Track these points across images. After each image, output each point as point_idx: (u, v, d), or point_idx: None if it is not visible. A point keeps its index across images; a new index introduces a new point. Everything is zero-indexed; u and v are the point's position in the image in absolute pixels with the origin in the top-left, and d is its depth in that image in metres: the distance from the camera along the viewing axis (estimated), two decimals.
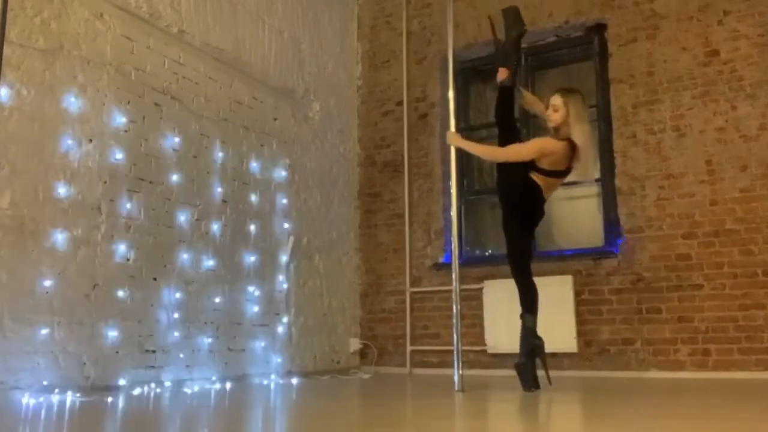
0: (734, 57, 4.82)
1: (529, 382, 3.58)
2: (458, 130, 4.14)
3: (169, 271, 4.13)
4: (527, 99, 4.15)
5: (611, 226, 5.10)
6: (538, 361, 3.65)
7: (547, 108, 3.86)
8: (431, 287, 5.63)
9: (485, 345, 5.22)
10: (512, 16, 3.96)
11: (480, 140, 5.92)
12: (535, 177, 3.77)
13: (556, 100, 3.78)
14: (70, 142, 3.64)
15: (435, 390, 3.88)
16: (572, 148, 3.72)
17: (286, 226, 5.12)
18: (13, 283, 3.30)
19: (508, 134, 3.92)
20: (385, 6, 6.29)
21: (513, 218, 3.84)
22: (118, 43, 3.98)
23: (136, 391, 3.64)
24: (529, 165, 3.76)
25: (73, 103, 3.67)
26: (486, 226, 5.94)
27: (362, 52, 6.32)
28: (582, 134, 3.75)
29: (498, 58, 4.01)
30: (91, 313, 3.64)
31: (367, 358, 5.79)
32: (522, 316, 3.71)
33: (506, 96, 3.96)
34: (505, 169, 3.89)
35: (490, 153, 4.05)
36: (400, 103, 6.03)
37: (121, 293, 3.80)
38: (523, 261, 3.81)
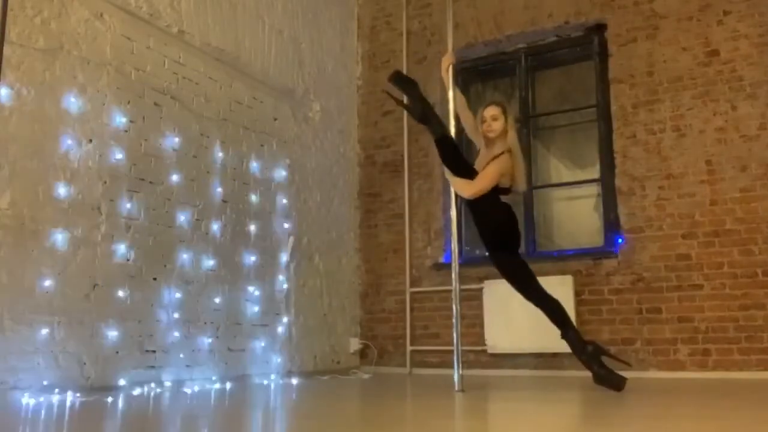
0: (734, 57, 4.82)
1: (616, 381, 3.50)
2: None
3: (169, 271, 4.13)
4: (458, 102, 4.08)
5: (611, 226, 5.10)
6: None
7: (483, 121, 3.90)
8: (431, 287, 5.63)
9: (485, 345, 5.22)
10: (399, 79, 4.07)
11: None
12: (505, 199, 3.83)
13: (494, 110, 3.85)
14: (70, 142, 3.64)
15: (435, 390, 3.88)
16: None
17: (286, 226, 5.12)
18: (13, 283, 3.30)
19: (464, 175, 3.85)
20: (385, 6, 6.29)
21: (501, 247, 3.79)
22: (118, 43, 3.98)
23: (136, 391, 3.64)
24: (496, 189, 3.79)
25: (73, 103, 3.68)
26: None
27: (362, 52, 6.32)
28: (515, 140, 3.86)
29: (417, 117, 4.02)
30: (91, 313, 3.64)
31: (367, 358, 5.79)
32: (563, 337, 3.67)
33: (444, 146, 3.88)
34: (480, 203, 3.80)
35: (464, 188, 3.83)
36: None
37: (121, 293, 3.80)
38: (530, 282, 3.75)
